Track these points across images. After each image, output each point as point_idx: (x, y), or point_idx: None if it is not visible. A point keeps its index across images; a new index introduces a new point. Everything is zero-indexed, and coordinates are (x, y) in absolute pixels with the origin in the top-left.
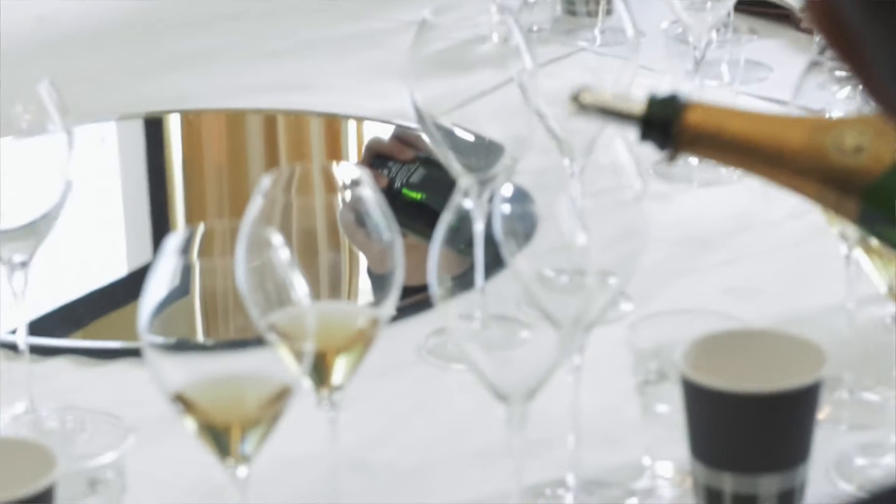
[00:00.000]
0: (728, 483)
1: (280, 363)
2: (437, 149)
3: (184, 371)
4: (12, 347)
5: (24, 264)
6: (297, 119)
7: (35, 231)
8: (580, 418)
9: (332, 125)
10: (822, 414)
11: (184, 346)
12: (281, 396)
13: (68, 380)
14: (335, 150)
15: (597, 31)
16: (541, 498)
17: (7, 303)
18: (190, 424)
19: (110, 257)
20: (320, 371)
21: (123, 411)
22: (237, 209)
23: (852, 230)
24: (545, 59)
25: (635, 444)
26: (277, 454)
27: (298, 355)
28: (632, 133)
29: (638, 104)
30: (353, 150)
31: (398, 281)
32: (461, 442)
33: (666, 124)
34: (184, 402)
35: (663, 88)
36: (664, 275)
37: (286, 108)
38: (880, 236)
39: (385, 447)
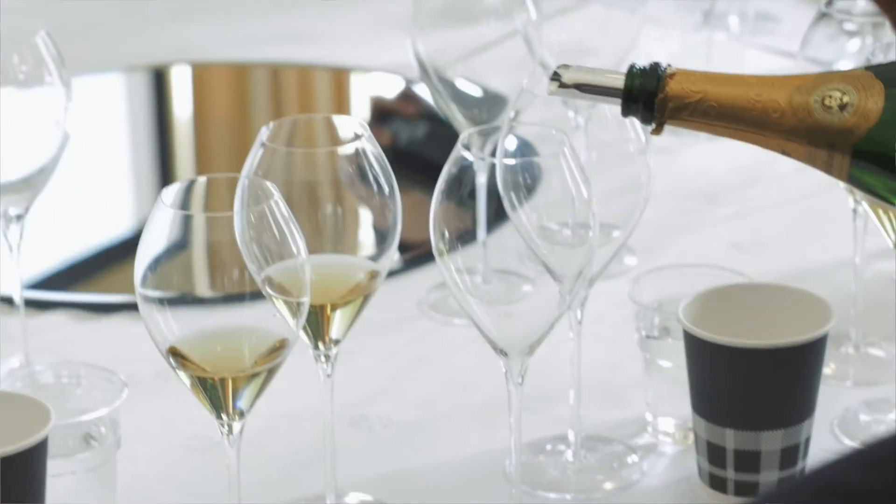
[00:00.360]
0: (730, 439)
1: (276, 317)
2: (440, 101)
3: (178, 325)
4: (9, 301)
5: (20, 217)
6: (304, 71)
7: (31, 184)
8: (581, 374)
9: (339, 78)
10: (828, 370)
11: (178, 299)
12: (276, 350)
13: (65, 334)
14: (341, 103)
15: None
16: (541, 454)
17: (5, 256)
18: (184, 379)
19: (117, 211)
20: (318, 325)
21: (120, 366)
22: (242, 162)
23: None
24: (551, 11)
25: (638, 400)
26: (275, 408)
27: (295, 309)
28: (616, 108)
29: (618, 77)
30: (359, 103)
31: (396, 235)
32: (462, 397)
33: (648, 95)
34: (178, 357)
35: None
36: (670, 229)
37: (292, 60)
38: (872, 192)
39: (384, 402)
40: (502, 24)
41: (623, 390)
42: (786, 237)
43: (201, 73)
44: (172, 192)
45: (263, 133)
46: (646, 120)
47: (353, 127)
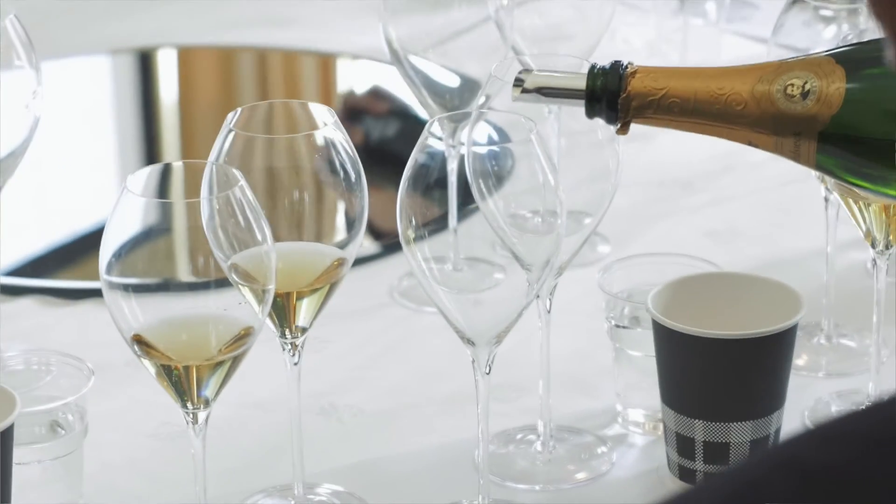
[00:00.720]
0: (699, 431)
1: (242, 305)
2: (412, 87)
3: (143, 312)
4: None
5: None
6: (290, 56)
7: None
8: (552, 364)
9: (325, 63)
10: (800, 360)
11: (143, 287)
12: (242, 339)
13: (36, 320)
14: (327, 89)
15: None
16: (511, 444)
17: None
18: (149, 367)
19: (102, 195)
20: (284, 313)
21: (90, 353)
22: None
23: None
24: None
25: (608, 390)
26: (245, 397)
27: (261, 297)
28: (580, 111)
29: (579, 79)
30: (345, 89)
31: (363, 222)
32: (432, 386)
33: (611, 95)
34: (143, 344)
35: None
36: (644, 217)
37: (277, 44)
38: (840, 178)
39: (354, 391)
40: (475, 10)
41: (594, 380)
42: (760, 226)
43: (187, 57)
44: (138, 178)
45: (230, 119)
46: (610, 120)
47: (321, 114)
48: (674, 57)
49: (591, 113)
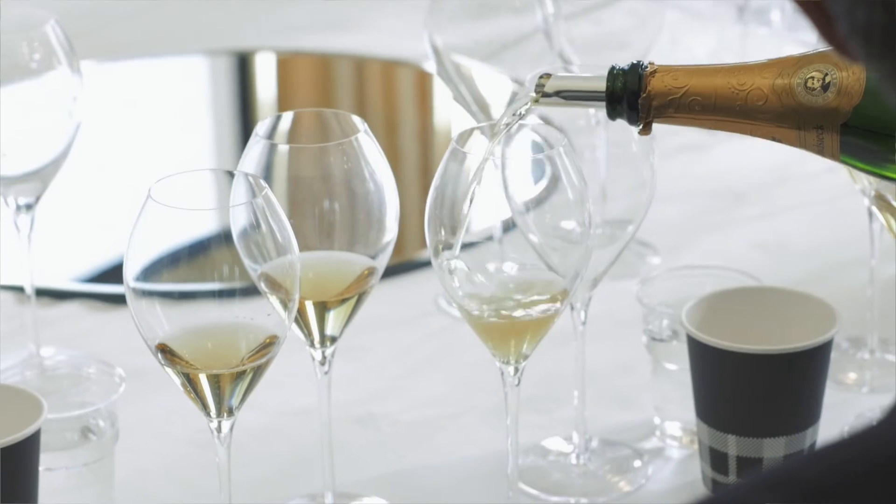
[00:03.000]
0: (732, 446)
1: (269, 314)
2: (456, 95)
3: (167, 321)
4: (44, 292)
5: (29, 207)
6: (387, 66)
7: (41, 176)
8: (586, 375)
9: (422, 75)
10: (844, 375)
11: (168, 295)
12: (266, 347)
13: (78, 325)
14: (423, 100)
15: None
16: (547, 456)
17: (18, 246)
18: (173, 376)
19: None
20: (314, 322)
21: (130, 359)
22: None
23: (869, 183)
24: (589, 4)
25: (647, 403)
26: (281, 405)
27: (287, 305)
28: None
29: (599, 81)
30: (440, 102)
31: (393, 232)
32: (472, 397)
33: (631, 95)
34: (167, 353)
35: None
36: (695, 228)
37: (375, 52)
38: (865, 169)
39: (392, 400)
40: (523, 18)
41: (633, 392)
42: (809, 239)
43: (285, 62)
44: (164, 186)
45: (260, 127)
46: (632, 120)
47: (353, 123)
48: None
49: (612, 114)
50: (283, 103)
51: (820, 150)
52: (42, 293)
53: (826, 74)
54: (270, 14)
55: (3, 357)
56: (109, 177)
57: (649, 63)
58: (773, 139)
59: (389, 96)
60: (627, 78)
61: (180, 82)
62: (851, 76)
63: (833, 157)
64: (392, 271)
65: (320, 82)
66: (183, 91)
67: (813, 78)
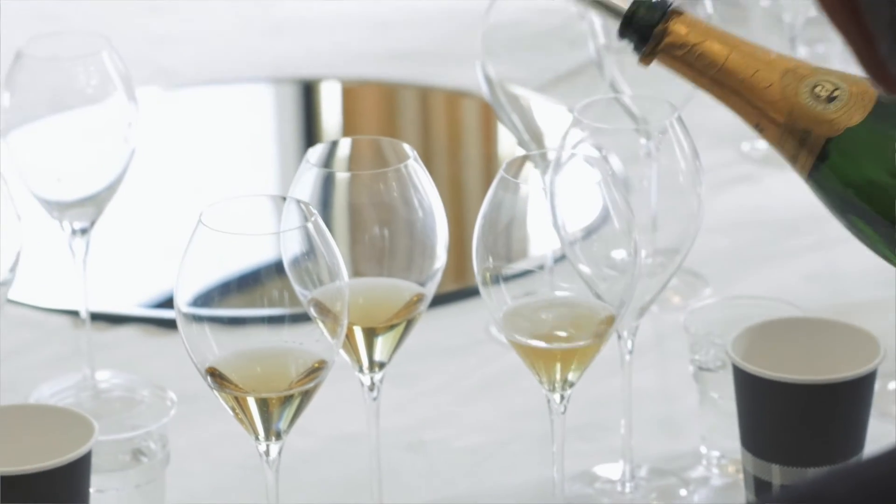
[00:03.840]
0: (776, 475)
1: (317, 339)
2: (508, 125)
3: (217, 345)
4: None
5: (84, 231)
6: (451, 97)
7: (96, 201)
8: (633, 403)
9: (486, 107)
10: (891, 408)
11: (218, 319)
12: (315, 372)
13: (132, 349)
14: (489, 132)
15: (708, 8)
16: (596, 483)
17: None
18: (222, 399)
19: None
20: (362, 348)
21: (185, 383)
22: None
23: None
24: None
25: (692, 432)
26: (332, 430)
27: (335, 331)
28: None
29: (625, 1)
30: (503, 132)
31: (442, 259)
32: (521, 425)
33: (647, 26)
34: (216, 377)
35: None
36: (746, 259)
37: (440, 83)
38: (828, 197)
39: (443, 427)
40: (575, 49)
41: (681, 421)
42: (861, 270)
43: (351, 91)
44: (214, 211)
45: (311, 154)
46: (637, 47)
47: (403, 150)
48: None
49: (622, 34)
50: (347, 132)
51: (793, 160)
52: (97, 317)
53: (837, 89)
54: (336, 42)
55: (58, 380)
56: (169, 203)
57: (678, 5)
58: (756, 127)
59: (454, 126)
60: (650, 12)
61: (245, 110)
62: (859, 102)
63: (802, 171)
64: (447, 299)
65: (385, 111)
66: (248, 119)
67: (823, 86)
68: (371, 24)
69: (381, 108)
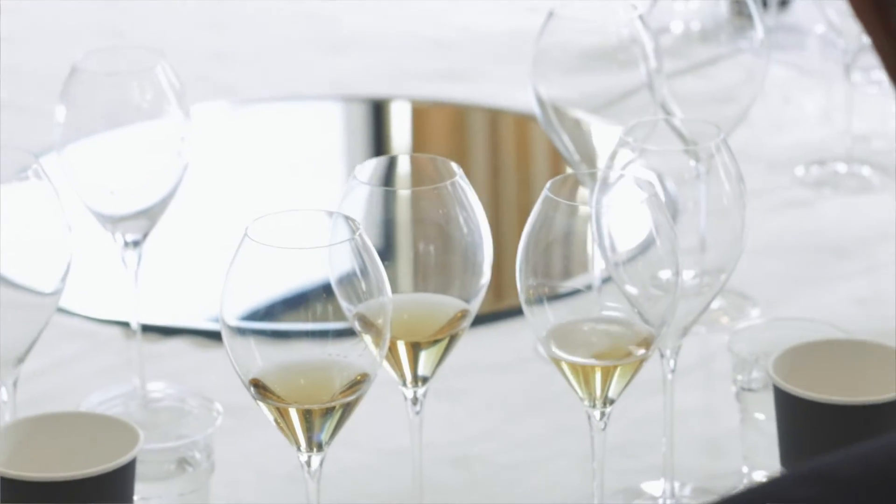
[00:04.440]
0: None
1: (360, 352)
2: (558, 143)
3: (261, 357)
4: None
5: (137, 244)
6: (520, 120)
7: (149, 215)
8: (675, 422)
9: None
10: None
11: (262, 332)
12: (357, 384)
13: (182, 360)
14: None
15: (760, 33)
16: (638, 499)
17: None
18: (265, 410)
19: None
20: (406, 363)
21: (232, 395)
22: None
23: None
24: (699, 59)
25: (734, 451)
26: (378, 443)
27: (379, 345)
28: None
29: None
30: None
31: (487, 275)
32: (564, 441)
33: None
34: (260, 388)
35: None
36: (795, 282)
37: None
38: None
39: (489, 443)
40: (626, 71)
41: (723, 441)
42: None
43: (420, 111)
44: (260, 224)
45: (359, 171)
46: None
47: (450, 168)
48: (839, 124)
49: None
50: (416, 152)
51: None
52: (148, 329)
53: None
54: (407, 61)
55: (107, 389)
56: (229, 217)
57: None
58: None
59: (522, 148)
60: None
61: (314, 127)
62: None
63: None
64: (495, 317)
65: (454, 132)
66: (315, 136)
67: None
68: (432, 42)
69: (450, 128)
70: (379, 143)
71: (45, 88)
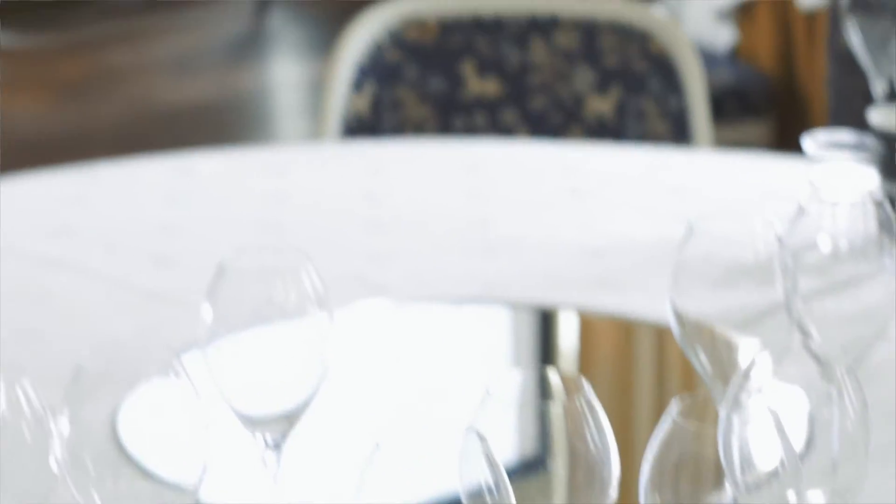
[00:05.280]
0: None
1: None
2: (693, 358)
3: None
4: None
5: (277, 445)
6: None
7: (289, 417)
8: None
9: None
10: None
11: None
12: None
13: None
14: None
15: None
16: None
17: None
18: None
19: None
20: None
21: None
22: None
23: None
24: (841, 277)
25: None
26: None
27: None
28: None
29: None
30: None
31: (613, 496)
32: None
33: None
34: None
35: None
36: None
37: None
38: None
39: None
40: (764, 289)
41: None
42: None
43: (588, 323)
44: (394, 437)
45: (492, 386)
46: None
47: (580, 384)
48: None
49: None
50: (583, 364)
51: None
52: None
53: None
54: (576, 270)
55: None
56: (379, 421)
57: None
58: None
59: (688, 367)
60: None
61: (480, 333)
62: None
63: None
64: None
65: (620, 346)
66: (483, 342)
67: None
68: (582, 250)
69: (617, 341)
70: (546, 353)
71: (196, 280)
